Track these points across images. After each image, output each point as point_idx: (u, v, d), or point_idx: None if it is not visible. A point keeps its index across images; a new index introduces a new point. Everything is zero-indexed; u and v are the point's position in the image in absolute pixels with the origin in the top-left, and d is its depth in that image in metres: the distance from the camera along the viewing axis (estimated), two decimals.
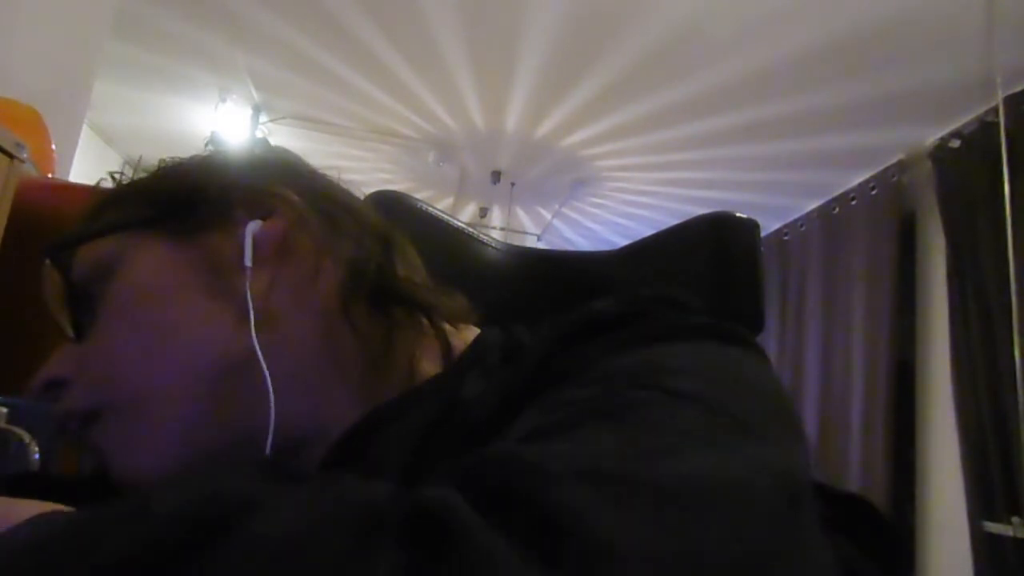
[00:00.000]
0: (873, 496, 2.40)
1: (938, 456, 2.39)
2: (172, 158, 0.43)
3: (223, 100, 3.09)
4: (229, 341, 0.36)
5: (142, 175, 0.42)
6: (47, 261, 0.39)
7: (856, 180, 2.93)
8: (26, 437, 0.69)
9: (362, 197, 0.49)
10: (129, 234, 0.38)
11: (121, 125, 3.51)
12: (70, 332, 0.39)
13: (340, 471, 0.35)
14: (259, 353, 0.35)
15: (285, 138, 3.34)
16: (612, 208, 3.84)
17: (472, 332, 0.44)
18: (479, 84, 2.73)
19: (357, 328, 0.38)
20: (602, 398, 0.28)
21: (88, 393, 0.36)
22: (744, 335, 0.34)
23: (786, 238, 3.46)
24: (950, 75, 2.18)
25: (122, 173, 0.43)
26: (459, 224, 0.64)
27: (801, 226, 3.33)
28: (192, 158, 0.43)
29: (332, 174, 0.45)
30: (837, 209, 3.05)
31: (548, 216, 4.12)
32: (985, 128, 2.25)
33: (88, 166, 2.82)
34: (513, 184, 3.69)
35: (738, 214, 0.58)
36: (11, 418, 0.71)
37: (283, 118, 3.23)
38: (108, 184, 0.43)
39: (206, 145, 2.92)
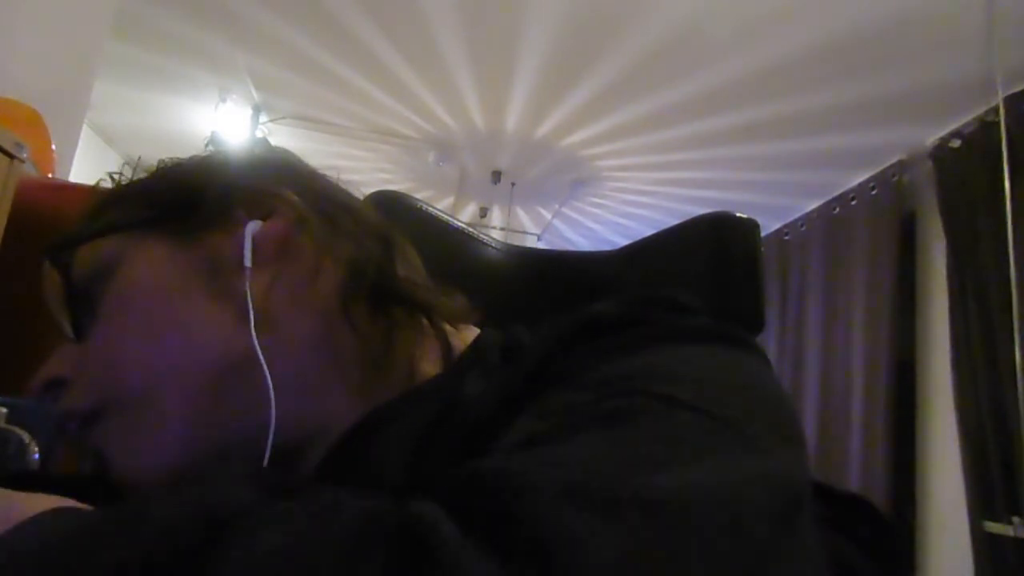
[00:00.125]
0: (873, 496, 2.40)
1: (938, 456, 2.39)
2: (172, 158, 0.43)
3: (223, 100, 3.09)
4: (229, 341, 0.36)
5: (142, 175, 0.42)
6: (47, 261, 0.39)
7: (856, 180, 2.93)
8: (26, 437, 0.68)
9: (362, 197, 0.49)
10: (129, 234, 0.38)
11: (121, 125, 3.52)
12: (70, 332, 0.38)
13: (331, 483, 0.35)
14: (259, 353, 0.35)
15: (285, 138, 3.34)
16: (612, 208, 3.84)
17: (472, 332, 0.44)
18: (479, 84, 2.73)
19: (357, 328, 0.38)
20: (597, 405, 0.28)
21: (88, 393, 0.36)
22: (744, 337, 0.34)
23: (786, 238, 3.46)
24: (950, 75, 2.18)
25: (121, 173, 0.43)
26: (459, 224, 0.64)
27: (801, 226, 3.33)
28: (192, 158, 0.43)
29: (332, 174, 0.45)
30: (837, 209, 3.05)
31: (548, 216, 4.12)
32: (985, 128, 2.25)
33: (88, 166, 2.81)
34: (513, 184, 3.69)
35: (738, 214, 0.58)
36: (11, 418, 0.71)
37: (283, 118, 3.23)
38: (108, 184, 0.43)
39: (206, 145, 2.92)
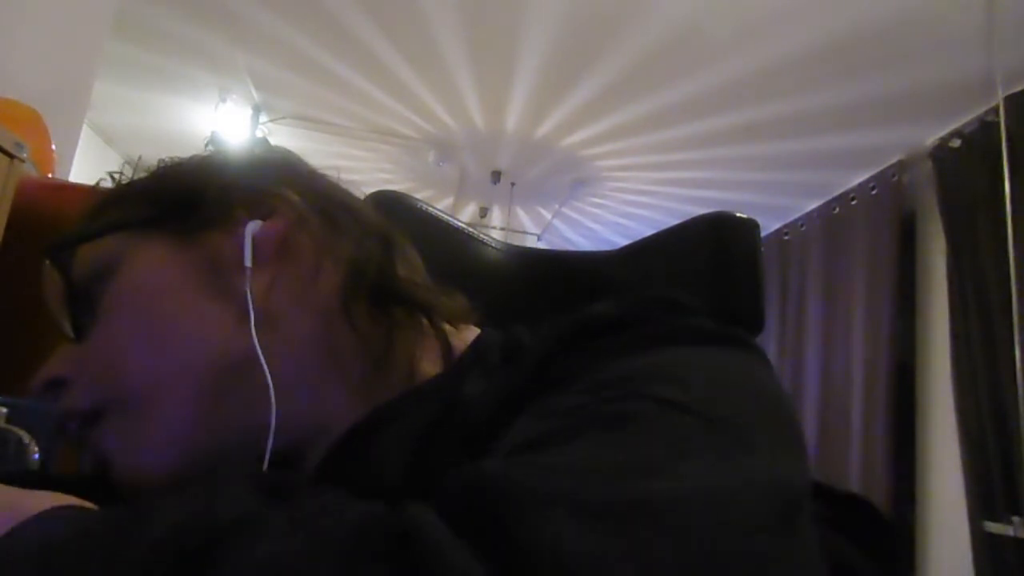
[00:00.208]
0: (873, 496, 2.40)
1: (938, 456, 2.39)
2: (172, 158, 0.43)
3: (223, 100, 3.09)
4: (229, 341, 0.36)
5: (142, 175, 0.42)
6: (47, 261, 0.39)
7: (856, 180, 2.93)
8: (26, 437, 0.69)
9: (362, 197, 0.49)
10: (129, 234, 0.38)
11: (121, 125, 3.51)
12: (70, 332, 0.38)
13: (331, 483, 0.35)
14: (259, 353, 0.35)
15: (285, 138, 3.34)
16: (612, 208, 3.84)
17: (472, 332, 0.44)
18: (479, 84, 2.73)
19: (357, 328, 0.38)
20: (595, 408, 0.28)
21: (88, 393, 0.36)
22: (744, 338, 0.34)
23: (786, 238, 3.46)
24: (950, 75, 2.18)
25: (122, 173, 0.43)
26: (459, 224, 0.64)
27: (801, 226, 3.33)
28: (192, 158, 0.43)
29: (332, 174, 0.45)
30: (837, 209, 3.05)
31: (548, 216, 4.12)
32: (985, 128, 2.25)
33: (88, 166, 2.81)
34: (513, 184, 3.69)
35: (738, 214, 0.58)
36: (11, 418, 0.71)
37: (283, 118, 3.23)
38: (108, 184, 0.43)
39: (206, 145, 2.92)
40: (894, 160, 2.71)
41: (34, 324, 0.50)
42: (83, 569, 0.21)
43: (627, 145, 3.05)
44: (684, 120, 2.76)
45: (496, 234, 3.51)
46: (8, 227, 0.79)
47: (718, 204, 3.31)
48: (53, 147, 1.30)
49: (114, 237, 0.38)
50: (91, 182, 0.44)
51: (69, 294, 0.38)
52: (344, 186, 0.45)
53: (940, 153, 2.46)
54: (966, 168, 2.31)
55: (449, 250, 0.61)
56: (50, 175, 1.26)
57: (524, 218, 4.29)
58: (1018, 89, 2.12)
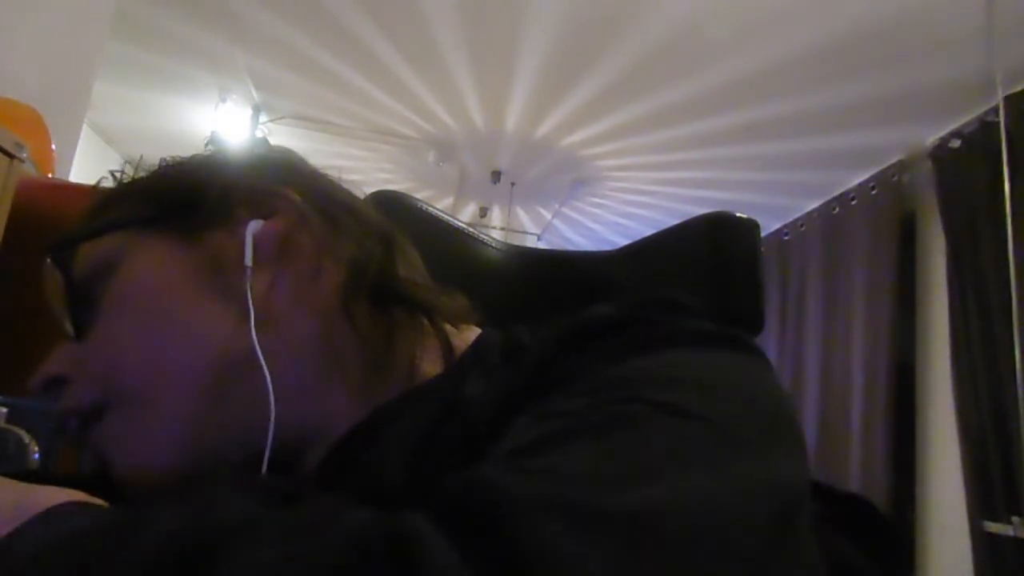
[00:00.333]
0: (873, 496, 2.40)
1: (938, 456, 2.39)
2: (173, 157, 0.43)
3: (223, 100, 3.09)
4: (229, 340, 0.36)
5: (143, 174, 0.42)
6: (48, 259, 0.39)
7: (856, 180, 2.93)
8: (26, 437, 0.69)
9: (362, 197, 0.49)
10: (130, 233, 0.38)
11: (121, 125, 3.51)
12: (70, 331, 0.39)
13: (331, 483, 0.35)
14: (259, 353, 0.35)
15: (285, 138, 3.34)
16: (612, 208, 3.84)
17: (473, 332, 0.44)
18: (479, 84, 2.73)
19: (358, 328, 0.38)
20: (594, 411, 0.27)
21: (87, 391, 0.36)
22: (744, 340, 0.34)
23: (786, 238, 3.46)
24: (950, 75, 2.18)
25: (123, 172, 0.43)
26: (459, 224, 0.64)
27: (801, 226, 3.33)
28: (193, 157, 0.43)
29: (333, 174, 0.45)
30: (837, 209, 3.05)
31: (548, 216, 4.12)
32: (985, 128, 2.25)
33: (88, 166, 2.81)
34: (513, 184, 3.69)
35: (738, 214, 0.58)
36: (11, 418, 0.71)
37: (283, 118, 3.23)
38: (108, 183, 0.43)
39: (206, 145, 2.92)
40: (894, 160, 2.71)
41: (34, 324, 0.50)
42: (84, 570, 0.22)
43: (627, 145, 3.05)
44: (684, 120, 2.76)
45: (496, 234, 3.51)
46: (8, 227, 0.79)
47: (718, 204, 3.31)
48: (53, 147, 1.30)
49: (115, 236, 0.38)
50: (91, 182, 0.44)
51: (70, 292, 0.38)
52: (345, 186, 0.45)
53: (940, 153, 2.46)
54: (966, 168, 2.31)
55: (449, 250, 0.61)
56: (50, 175, 1.26)
57: (524, 218, 4.29)
58: (1018, 89, 2.12)
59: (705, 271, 0.57)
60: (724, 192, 3.35)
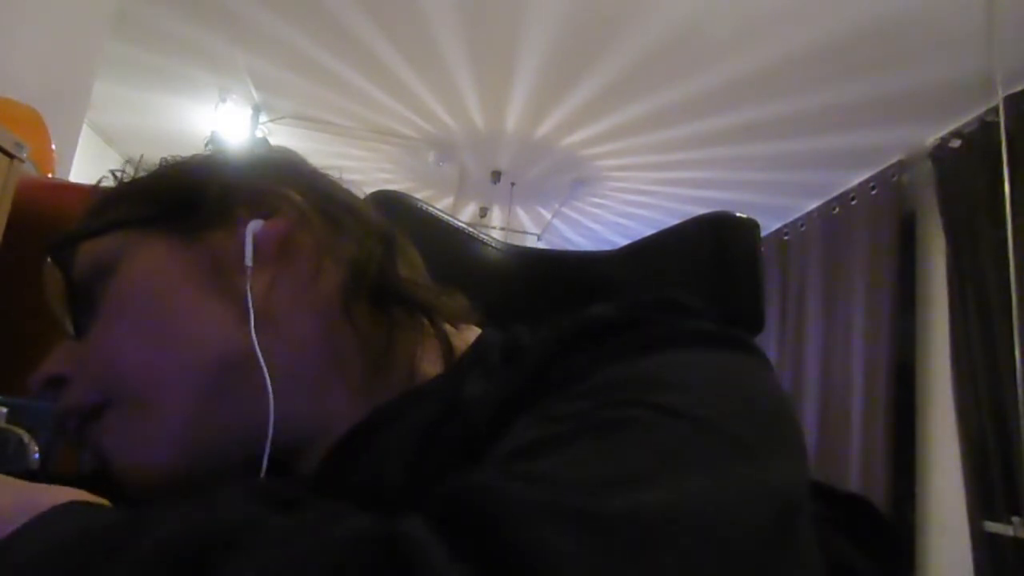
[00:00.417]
0: (873, 496, 2.40)
1: (938, 456, 2.39)
2: (174, 157, 0.43)
3: (223, 100, 3.09)
4: (229, 340, 0.36)
5: (143, 174, 0.42)
6: (48, 258, 0.39)
7: (856, 180, 2.93)
8: (26, 437, 0.69)
9: (362, 197, 0.49)
10: (131, 232, 0.38)
11: (121, 125, 3.51)
12: (70, 330, 0.39)
13: (332, 483, 0.35)
14: (258, 352, 0.35)
15: (285, 138, 3.34)
16: (612, 208, 3.84)
17: (473, 332, 0.44)
18: (479, 84, 2.73)
19: (358, 328, 0.38)
20: (592, 414, 0.27)
21: (87, 390, 0.36)
22: (744, 340, 0.34)
23: (786, 238, 3.46)
24: (950, 75, 2.18)
25: (124, 171, 0.43)
26: (459, 224, 0.64)
27: (801, 226, 3.33)
28: (194, 157, 0.43)
29: (334, 174, 0.45)
30: (837, 209, 3.05)
31: (548, 216, 4.12)
32: (985, 128, 2.25)
33: (88, 166, 2.81)
34: (513, 184, 3.69)
35: (738, 214, 0.58)
36: (11, 418, 0.71)
37: (283, 118, 3.23)
38: (109, 183, 0.43)
39: (206, 145, 2.92)
40: (894, 160, 2.71)
41: (34, 324, 0.50)
42: (84, 570, 0.22)
43: (627, 145, 3.05)
44: (684, 120, 2.76)
45: (496, 234, 3.51)
46: (8, 227, 0.79)
47: (718, 204, 3.31)
48: (53, 147, 1.30)
49: (115, 235, 0.38)
50: (91, 182, 0.44)
51: (70, 292, 0.38)
52: (346, 186, 0.45)
53: (940, 153, 2.46)
54: (966, 168, 2.31)
55: (449, 250, 0.61)
56: (50, 175, 1.26)
57: (524, 218, 4.29)
58: (1018, 89, 2.12)
59: (705, 271, 0.57)
60: (724, 192, 3.35)
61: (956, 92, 2.25)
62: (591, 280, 0.62)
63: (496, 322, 0.44)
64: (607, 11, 2.16)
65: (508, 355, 0.40)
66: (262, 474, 0.35)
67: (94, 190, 0.42)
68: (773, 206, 3.39)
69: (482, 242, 0.63)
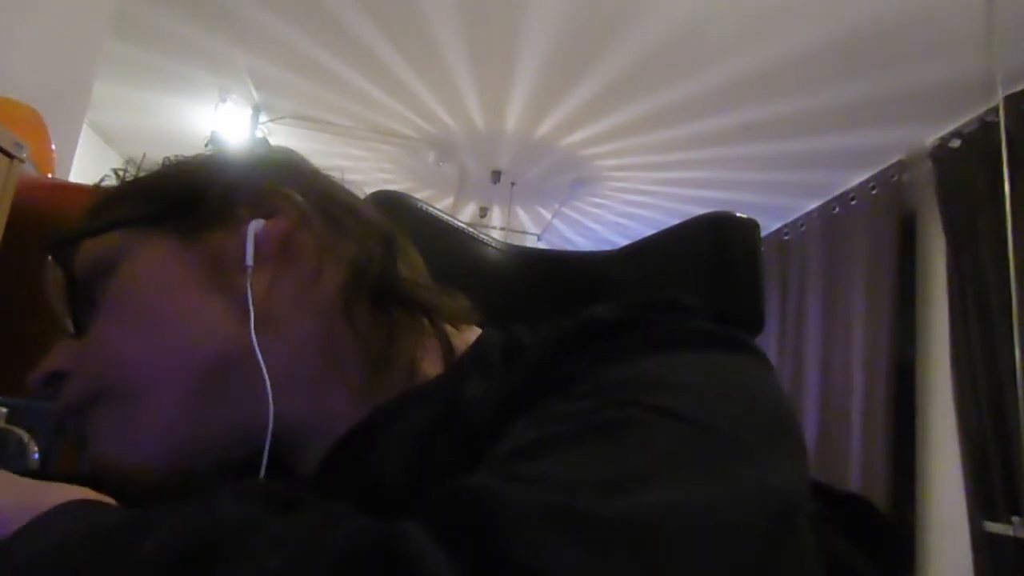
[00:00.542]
0: (873, 496, 2.40)
1: (938, 456, 2.39)
2: (175, 156, 0.43)
3: (223, 100, 3.09)
4: (229, 339, 0.36)
5: (144, 173, 0.42)
6: (49, 256, 0.39)
7: (856, 180, 2.93)
8: (25, 437, 0.69)
9: (362, 197, 0.49)
10: (131, 231, 0.38)
11: (121, 125, 3.51)
12: (70, 328, 0.39)
13: (332, 483, 0.35)
14: (258, 352, 0.35)
15: (285, 138, 3.34)
16: (612, 208, 3.84)
17: (473, 332, 0.44)
18: (479, 84, 2.73)
19: (358, 328, 0.38)
20: (591, 415, 0.27)
21: (87, 386, 0.36)
22: (744, 340, 0.34)
23: (786, 238, 3.46)
24: (950, 75, 2.18)
25: (125, 170, 0.43)
26: (459, 224, 0.64)
27: (801, 226, 3.33)
28: (196, 156, 0.43)
29: (335, 174, 0.45)
30: (837, 209, 3.05)
31: (548, 216, 4.12)
32: (985, 128, 2.25)
33: (88, 166, 2.82)
34: (513, 184, 3.69)
35: (738, 214, 0.58)
36: (11, 418, 0.71)
37: (283, 118, 3.23)
38: (110, 182, 0.43)
39: (206, 145, 2.92)
40: (894, 160, 2.71)
41: (34, 324, 0.50)
42: (85, 570, 0.22)
43: (627, 145, 3.05)
44: (684, 120, 2.76)
45: (496, 234, 3.51)
46: (8, 227, 0.79)
47: (718, 204, 3.31)
48: (53, 147, 1.30)
49: (116, 233, 0.38)
50: (91, 182, 0.44)
51: (70, 290, 0.38)
52: (346, 186, 0.45)
53: (940, 153, 2.46)
54: (966, 168, 2.31)
55: (449, 250, 0.61)
56: (50, 175, 1.26)
57: (524, 218, 4.29)
58: (1018, 89, 2.12)
59: (705, 271, 0.57)
60: (724, 192, 3.35)
61: (956, 92, 2.25)
62: (591, 280, 0.62)
63: (496, 322, 0.44)
64: (607, 11, 2.16)
65: (508, 355, 0.40)
66: (262, 474, 0.35)
67: (95, 189, 0.42)
68: (773, 206, 3.39)
69: (482, 242, 0.63)
